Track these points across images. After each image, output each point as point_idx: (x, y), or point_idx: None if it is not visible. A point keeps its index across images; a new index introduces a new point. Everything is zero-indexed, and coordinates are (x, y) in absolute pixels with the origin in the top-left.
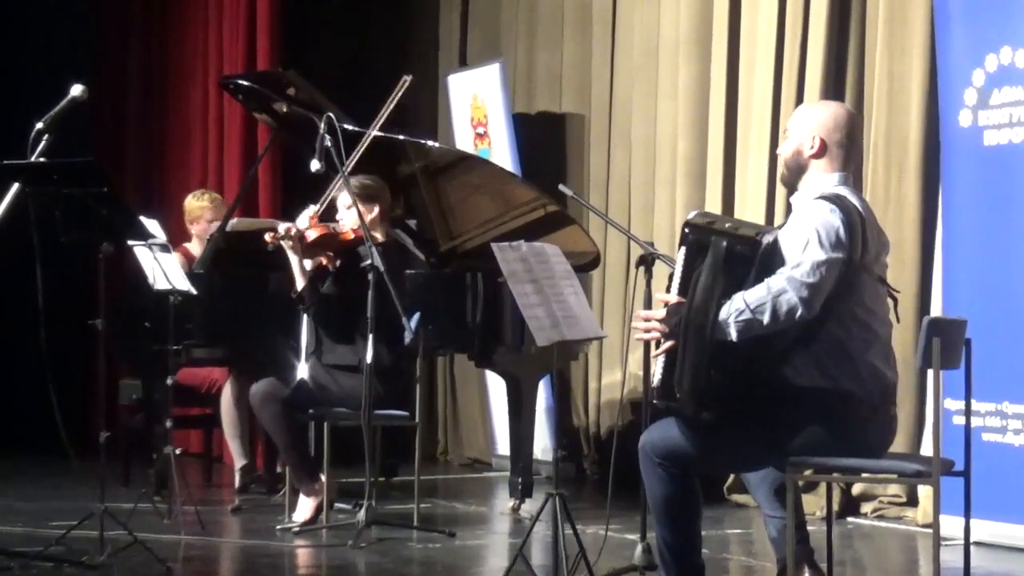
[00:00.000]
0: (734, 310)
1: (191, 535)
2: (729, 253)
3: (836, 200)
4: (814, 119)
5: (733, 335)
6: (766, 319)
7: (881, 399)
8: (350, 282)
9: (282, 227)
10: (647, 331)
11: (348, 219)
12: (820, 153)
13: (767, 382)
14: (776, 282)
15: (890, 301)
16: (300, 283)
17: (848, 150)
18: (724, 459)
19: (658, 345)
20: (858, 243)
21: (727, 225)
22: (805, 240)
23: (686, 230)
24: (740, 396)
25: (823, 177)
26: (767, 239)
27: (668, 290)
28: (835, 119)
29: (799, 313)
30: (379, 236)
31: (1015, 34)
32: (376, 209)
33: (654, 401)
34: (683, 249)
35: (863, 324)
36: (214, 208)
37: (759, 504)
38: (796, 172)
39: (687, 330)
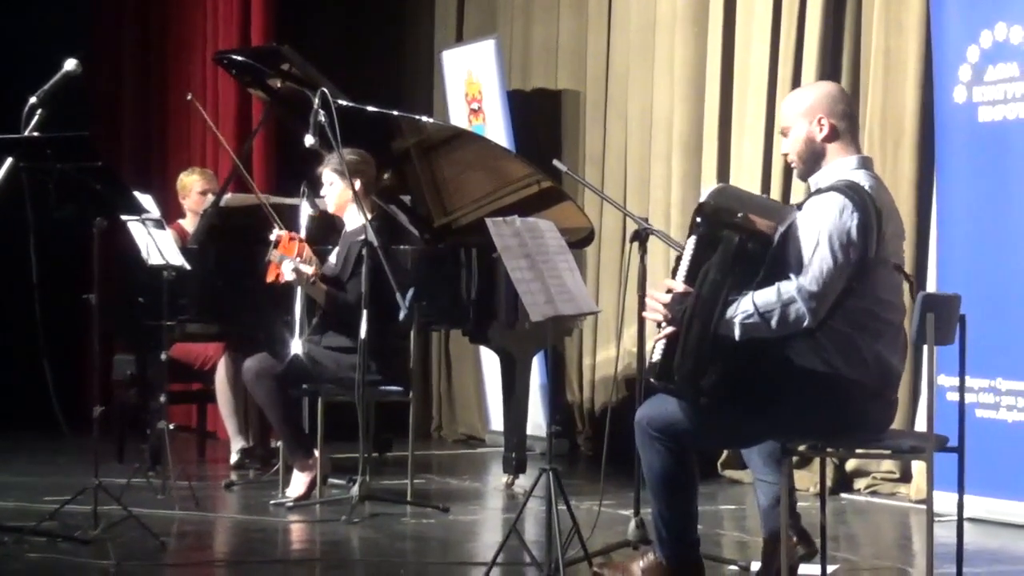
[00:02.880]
0: (741, 311)
1: (185, 510)
2: (740, 249)
3: (851, 193)
4: (811, 102)
5: (737, 334)
6: (774, 324)
7: (883, 387)
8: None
9: (289, 271)
10: (652, 311)
11: (330, 195)
12: (832, 135)
13: (767, 363)
14: (786, 289)
15: (906, 284)
16: (323, 300)
17: (853, 123)
18: (721, 435)
19: (659, 327)
20: (872, 240)
21: (739, 216)
22: (815, 242)
23: (698, 219)
24: (739, 376)
25: (841, 161)
26: (781, 229)
27: (674, 274)
28: (831, 96)
29: (806, 323)
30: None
31: (1010, 10)
32: (357, 183)
33: (651, 380)
34: (693, 238)
35: (874, 316)
36: (204, 179)
37: (751, 468)
38: (813, 162)
39: (691, 322)
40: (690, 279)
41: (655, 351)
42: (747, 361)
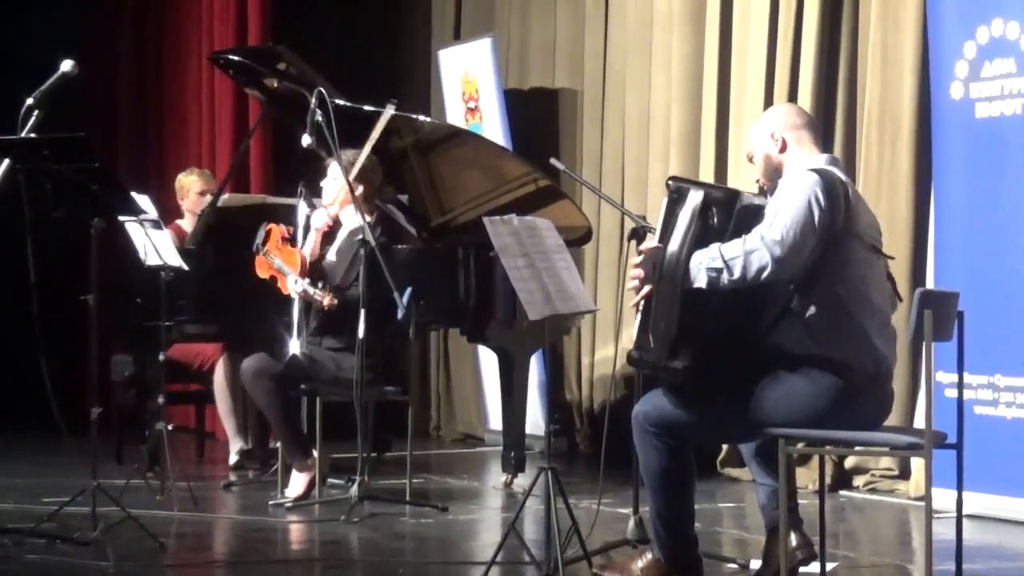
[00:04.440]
0: (707, 258)
1: (184, 511)
2: (706, 201)
3: (817, 170)
4: (763, 126)
5: (703, 282)
6: (736, 273)
7: (875, 372)
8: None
9: (293, 290)
10: (633, 279)
11: (331, 188)
12: (784, 146)
13: (757, 351)
14: (751, 239)
15: (890, 282)
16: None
17: (812, 131)
18: (718, 428)
19: (636, 293)
20: (839, 207)
21: (707, 181)
22: (779, 203)
23: (668, 182)
24: (731, 366)
25: (806, 157)
26: (750, 198)
27: None
28: (781, 114)
29: (768, 271)
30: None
31: (1006, 6)
32: (360, 188)
33: (631, 352)
34: (665, 200)
35: (856, 292)
36: (203, 180)
37: (751, 471)
38: (775, 176)
39: (662, 274)
40: (663, 239)
41: (635, 325)
42: (736, 353)
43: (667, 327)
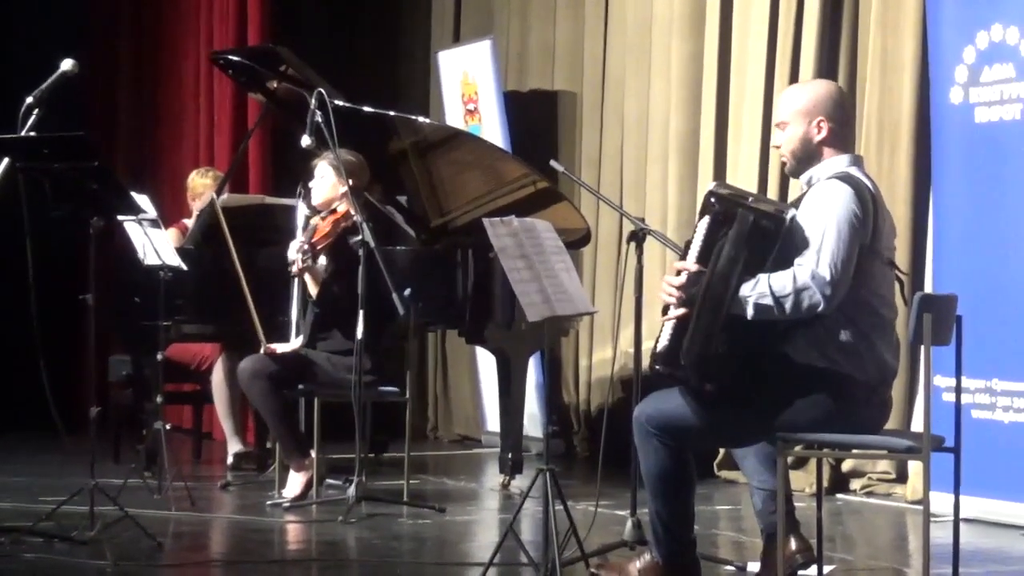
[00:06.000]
0: (757, 292)
1: (181, 511)
2: (755, 227)
3: (850, 181)
4: (812, 102)
5: (750, 313)
6: (788, 309)
7: (879, 383)
8: (344, 265)
9: (295, 252)
10: (668, 295)
11: (318, 188)
12: (829, 138)
13: (766, 359)
14: (801, 276)
15: (897, 284)
16: (315, 289)
17: (849, 127)
18: (718, 433)
19: (664, 313)
20: (869, 228)
21: (750, 200)
22: (823, 230)
23: (711, 199)
24: (738, 371)
25: (834, 160)
26: (788, 215)
27: (684, 258)
28: (831, 99)
29: (821, 308)
30: (348, 210)
31: (1006, 11)
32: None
33: (656, 367)
34: (706, 218)
35: (870, 309)
36: (217, 182)
37: (746, 475)
38: (806, 161)
39: (704, 299)
40: (703, 259)
41: (662, 336)
42: (746, 358)
43: (703, 350)
